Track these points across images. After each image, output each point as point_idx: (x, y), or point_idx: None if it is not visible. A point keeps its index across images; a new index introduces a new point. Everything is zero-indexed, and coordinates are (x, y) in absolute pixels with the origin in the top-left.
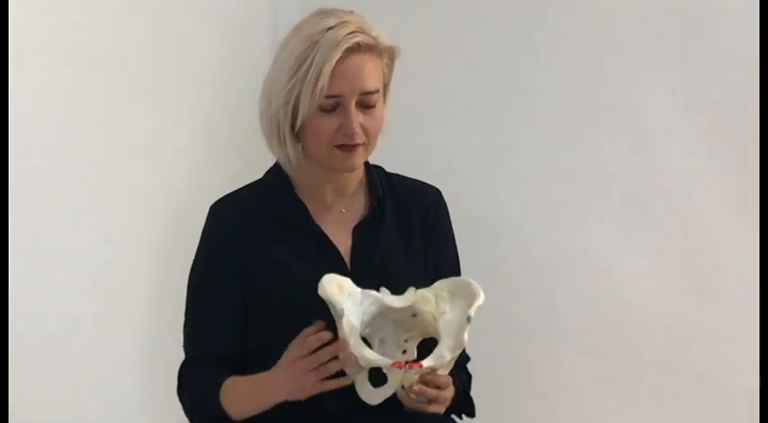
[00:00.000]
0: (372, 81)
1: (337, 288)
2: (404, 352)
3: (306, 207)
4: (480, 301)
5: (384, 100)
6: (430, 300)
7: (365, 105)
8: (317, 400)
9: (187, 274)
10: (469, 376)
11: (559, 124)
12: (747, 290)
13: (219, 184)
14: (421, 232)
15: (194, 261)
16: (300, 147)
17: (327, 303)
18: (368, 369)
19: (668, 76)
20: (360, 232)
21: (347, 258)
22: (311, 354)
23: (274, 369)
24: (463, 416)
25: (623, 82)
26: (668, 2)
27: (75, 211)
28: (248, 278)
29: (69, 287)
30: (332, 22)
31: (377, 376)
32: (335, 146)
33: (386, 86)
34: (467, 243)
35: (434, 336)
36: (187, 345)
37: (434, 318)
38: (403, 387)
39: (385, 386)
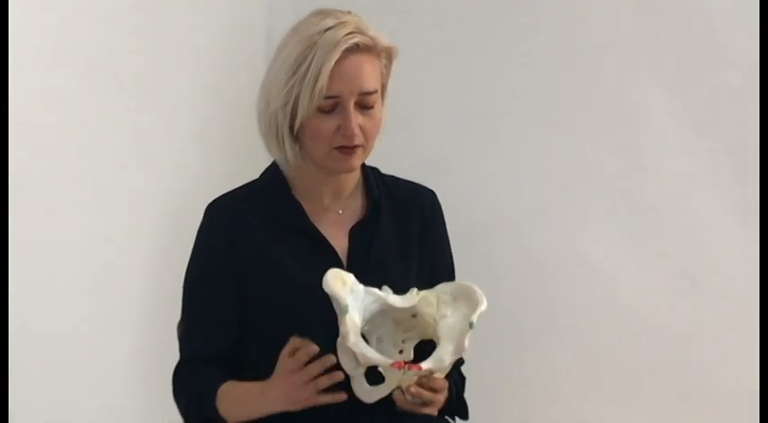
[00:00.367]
0: (371, 81)
1: (341, 283)
2: (401, 352)
3: (303, 208)
4: (483, 307)
5: (382, 100)
6: (432, 302)
7: (364, 106)
8: None
9: (183, 275)
10: (463, 378)
11: (556, 125)
12: (745, 291)
13: (216, 185)
14: (417, 234)
15: (190, 261)
16: (299, 148)
17: (331, 298)
18: (365, 367)
19: (665, 76)
20: (356, 233)
21: (344, 259)
22: (302, 368)
23: (270, 380)
24: (456, 418)
25: (620, 82)
26: (665, 2)
27: (74, 211)
28: (244, 278)
29: (67, 287)
30: (330, 22)
31: (373, 375)
32: (334, 147)
33: (384, 87)
34: (463, 244)
35: (433, 338)
36: (183, 344)
37: (434, 320)
38: (399, 388)
39: (382, 385)
